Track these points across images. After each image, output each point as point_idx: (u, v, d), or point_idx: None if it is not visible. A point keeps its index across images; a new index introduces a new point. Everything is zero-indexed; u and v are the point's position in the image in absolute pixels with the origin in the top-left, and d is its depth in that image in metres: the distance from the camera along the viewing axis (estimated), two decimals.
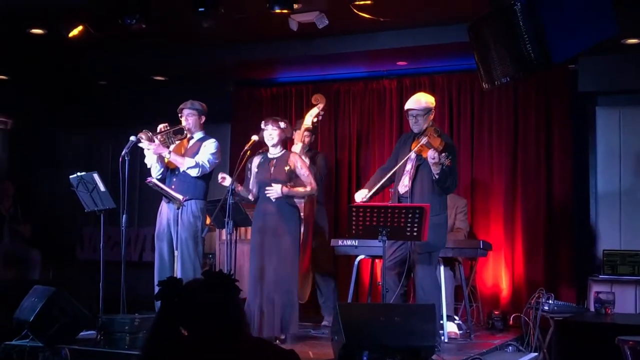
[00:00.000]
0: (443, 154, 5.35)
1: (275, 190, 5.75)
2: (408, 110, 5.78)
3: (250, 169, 5.97)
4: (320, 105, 7.07)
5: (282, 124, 5.91)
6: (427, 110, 5.73)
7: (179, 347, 2.44)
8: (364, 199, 5.72)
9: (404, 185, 5.68)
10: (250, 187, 5.94)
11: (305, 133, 6.97)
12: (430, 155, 5.38)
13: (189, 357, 2.43)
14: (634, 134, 7.42)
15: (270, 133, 5.85)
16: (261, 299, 5.67)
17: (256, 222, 5.86)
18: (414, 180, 5.63)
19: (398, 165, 5.70)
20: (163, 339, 2.46)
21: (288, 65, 8.19)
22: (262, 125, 5.91)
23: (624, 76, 7.24)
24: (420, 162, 5.63)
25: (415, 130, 5.75)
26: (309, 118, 7.00)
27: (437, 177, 5.46)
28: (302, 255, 6.81)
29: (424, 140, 5.59)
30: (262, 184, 5.83)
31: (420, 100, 5.79)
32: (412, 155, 5.67)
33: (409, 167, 5.70)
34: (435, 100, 7.68)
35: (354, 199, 5.88)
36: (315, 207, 6.90)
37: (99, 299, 5.83)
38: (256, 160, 5.95)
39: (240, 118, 8.65)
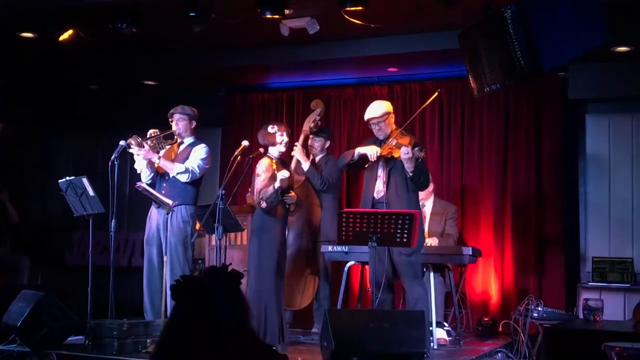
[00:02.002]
0: (416, 148, 5.42)
1: (292, 197, 5.80)
2: (369, 120, 5.83)
3: (259, 173, 5.71)
4: (318, 110, 7.07)
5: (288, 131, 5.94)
6: (386, 115, 5.80)
7: (194, 346, 2.44)
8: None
9: (378, 191, 5.72)
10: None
11: (307, 137, 6.96)
12: (404, 151, 5.43)
13: (204, 354, 2.43)
14: (623, 141, 7.44)
15: (286, 139, 5.82)
16: (280, 302, 5.69)
17: (282, 226, 5.81)
18: (387, 184, 5.67)
19: (372, 162, 5.71)
20: (178, 339, 2.46)
21: (279, 70, 8.19)
22: (276, 130, 5.77)
23: (613, 84, 7.27)
24: (391, 166, 5.68)
25: (381, 137, 5.82)
26: (307, 123, 7.01)
27: (411, 174, 5.51)
28: (299, 262, 6.82)
29: (392, 141, 5.65)
30: (283, 190, 5.74)
31: (378, 107, 5.86)
32: (380, 161, 5.72)
33: (380, 172, 5.73)
34: (426, 107, 7.77)
35: (344, 206, 5.87)
36: (317, 213, 6.88)
37: (88, 304, 5.80)
38: (268, 162, 5.74)
39: (231, 123, 8.65)
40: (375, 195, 5.73)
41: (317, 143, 7.03)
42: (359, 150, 5.77)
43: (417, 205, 5.74)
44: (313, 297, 6.93)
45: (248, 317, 2.59)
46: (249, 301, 5.49)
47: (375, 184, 5.74)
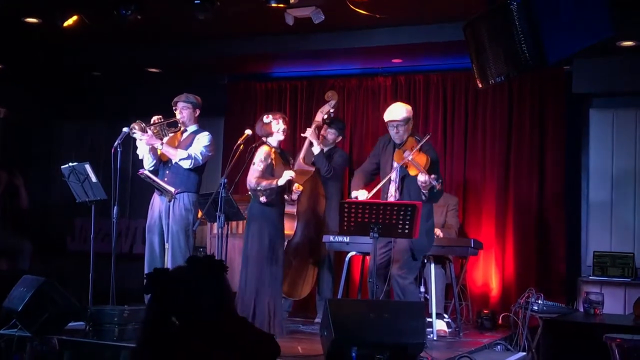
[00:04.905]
0: (433, 176, 5.35)
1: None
2: (389, 121, 5.76)
3: (256, 162, 5.72)
4: (332, 102, 6.96)
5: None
6: (407, 120, 5.75)
7: (173, 336, 2.45)
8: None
9: (390, 195, 5.72)
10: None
11: (318, 127, 6.91)
12: (421, 179, 5.38)
13: (183, 343, 2.43)
14: (627, 136, 7.43)
15: (283, 126, 5.79)
16: (274, 291, 5.72)
17: (279, 214, 5.84)
18: (401, 191, 5.68)
19: (387, 177, 5.70)
20: (157, 330, 2.47)
21: (283, 60, 8.17)
22: (271, 118, 5.76)
23: (618, 78, 7.25)
24: (404, 173, 5.66)
25: (397, 141, 5.77)
26: (320, 114, 6.93)
27: (425, 197, 5.49)
28: (304, 252, 6.83)
29: (408, 156, 5.59)
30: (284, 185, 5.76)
31: (401, 110, 5.78)
32: (395, 164, 5.70)
33: (393, 175, 5.71)
34: (430, 99, 7.76)
35: (346, 196, 5.88)
36: (322, 203, 6.87)
37: (89, 290, 5.82)
38: (267, 150, 5.73)
39: (234, 112, 8.64)
40: (388, 198, 5.73)
41: (331, 135, 6.95)
42: (356, 195, 5.68)
43: (430, 214, 5.71)
44: (312, 286, 6.92)
45: (231, 304, 2.61)
46: (244, 289, 5.56)
47: (388, 187, 5.74)
